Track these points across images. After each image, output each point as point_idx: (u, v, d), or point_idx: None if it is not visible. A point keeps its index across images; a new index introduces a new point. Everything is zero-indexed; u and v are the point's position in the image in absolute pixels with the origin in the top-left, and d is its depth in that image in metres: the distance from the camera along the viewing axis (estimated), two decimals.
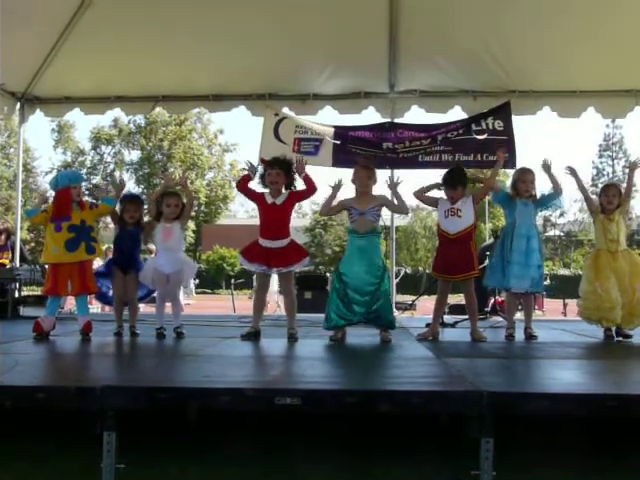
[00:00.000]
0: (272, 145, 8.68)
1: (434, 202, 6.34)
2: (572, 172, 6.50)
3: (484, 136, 8.48)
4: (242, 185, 6.11)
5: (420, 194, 6.32)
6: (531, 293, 6.51)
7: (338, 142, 8.71)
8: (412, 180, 6.74)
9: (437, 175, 6.67)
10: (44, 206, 5.97)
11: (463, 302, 6.52)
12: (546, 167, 6.35)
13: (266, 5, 7.77)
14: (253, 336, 5.81)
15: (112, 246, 6.54)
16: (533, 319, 6.55)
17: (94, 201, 6.29)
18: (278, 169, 5.89)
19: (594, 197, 6.84)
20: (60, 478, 3.16)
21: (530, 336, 6.17)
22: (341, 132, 8.78)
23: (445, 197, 6.22)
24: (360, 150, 8.51)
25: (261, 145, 8.80)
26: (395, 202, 6.06)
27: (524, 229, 6.27)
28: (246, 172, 6.11)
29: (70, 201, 5.81)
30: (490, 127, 8.49)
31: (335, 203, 6.12)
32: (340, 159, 8.59)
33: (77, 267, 5.77)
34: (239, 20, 7.92)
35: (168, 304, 6.35)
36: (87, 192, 52.22)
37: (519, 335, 6.22)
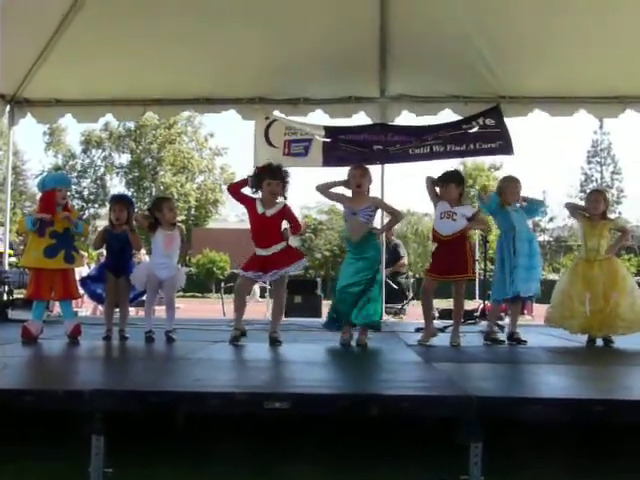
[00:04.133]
0: (264, 150, 8.66)
1: (436, 199, 6.24)
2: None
3: (476, 129, 8.50)
4: (235, 189, 6.08)
5: (430, 187, 6.27)
6: (528, 298, 6.55)
7: (328, 140, 8.68)
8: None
9: (428, 167, 6.67)
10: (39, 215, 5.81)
11: (452, 307, 6.52)
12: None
13: (256, 10, 7.76)
14: (240, 337, 5.81)
15: (104, 251, 6.50)
16: (523, 324, 6.58)
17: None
18: (279, 180, 5.89)
19: (581, 203, 6.90)
20: None
21: (518, 341, 6.18)
22: (331, 134, 8.77)
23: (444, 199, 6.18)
24: (350, 148, 8.50)
25: (254, 151, 8.79)
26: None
27: (524, 233, 6.28)
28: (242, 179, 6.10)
29: (55, 204, 5.76)
30: (481, 123, 8.50)
31: (337, 191, 6.10)
32: (330, 158, 8.56)
33: (59, 273, 5.75)
34: (229, 25, 7.91)
35: (159, 307, 6.33)
36: (77, 195, 52.43)
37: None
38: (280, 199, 5.92)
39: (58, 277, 5.74)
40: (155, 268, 6.04)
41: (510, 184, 6.39)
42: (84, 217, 48.08)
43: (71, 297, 6.01)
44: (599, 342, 6.23)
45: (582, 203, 6.90)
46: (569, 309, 6.22)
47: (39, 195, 6.00)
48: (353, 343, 5.83)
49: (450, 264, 6.02)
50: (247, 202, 5.99)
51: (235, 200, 6.17)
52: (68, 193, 6.13)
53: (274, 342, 5.71)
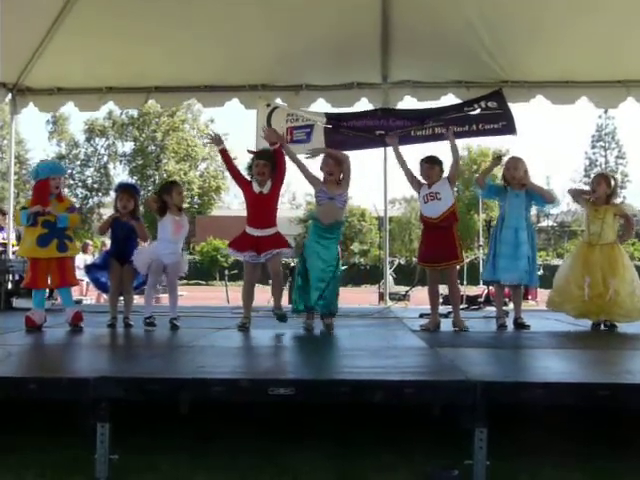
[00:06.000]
0: None
1: (414, 181, 6.25)
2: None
3: (478, 111, 8.44)
4: (228, 163, 6.12)
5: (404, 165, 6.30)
6: (522, 285, 6.53)
7: (329, 126, 8.65)
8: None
9: (429, 148, 6.68)
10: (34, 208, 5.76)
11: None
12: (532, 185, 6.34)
13: None
14: (249, 324, 5.83)
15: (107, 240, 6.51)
16: (527, 309, 6.59)
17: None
18: (265, 160, 5.89)
19: (586, 188, 6.88)
20: (53, 469, 3.16)
21: (521, 326, 6.19)
22: (333, 122, 8.72)
23: (424, 182, 6.19)
24: (352, 134, 8.47)
25: (256, 138, 8.77)
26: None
27: (513, 221, 6.27)
28: (213, 144, 6.17)
29: (48, 193, 5.76)
30: (484, 106, 8.43)
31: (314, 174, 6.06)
32: (333, 144, 8.49)
33: (55, 262, 5.76)
34: (231, 11, 7.87)
35: (163, 295, 6.33)
36: (81, 184, 52.51)
37: (511, 325, 6.26)
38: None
39: (54, 265, 5.75)
40: (161, 253, 6.02)
41: (511, 160, 6.47)
42: (88, 205, 48.21)
43: (69, 284, 6.02)
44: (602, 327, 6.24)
45: (587, 188, 6.87)
46: (568, 293, 6.25)
47: (33, 184, 5.98)
48: (340, 330, 5.83)
49: (439, 251, 6.04)
50: (243, 182, 6.02)
51: (232, 176, 6.12)
52: (72, 182, 6.13)
53: (281, 319, 5.74)
